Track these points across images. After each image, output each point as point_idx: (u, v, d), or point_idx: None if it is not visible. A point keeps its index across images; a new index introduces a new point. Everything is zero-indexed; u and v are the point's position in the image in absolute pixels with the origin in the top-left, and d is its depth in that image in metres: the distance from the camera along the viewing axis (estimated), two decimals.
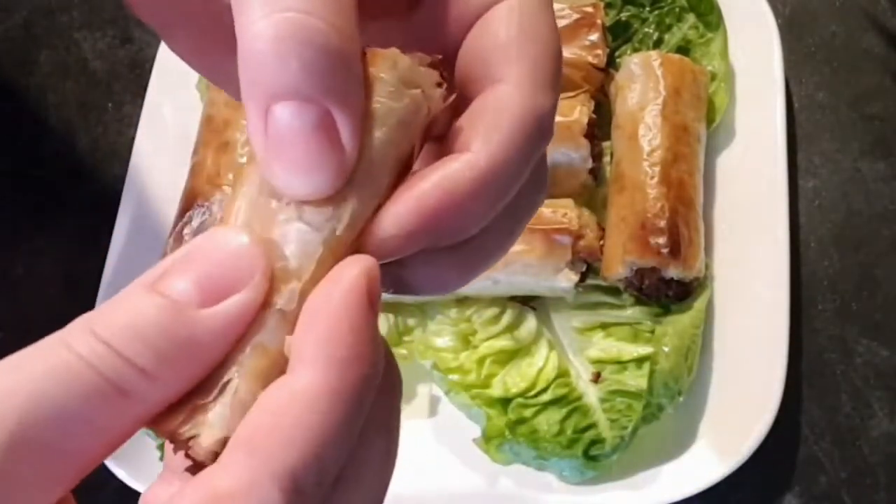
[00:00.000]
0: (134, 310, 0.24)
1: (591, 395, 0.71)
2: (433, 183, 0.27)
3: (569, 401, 0.71)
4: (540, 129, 0.29)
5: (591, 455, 0.68)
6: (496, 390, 0.71)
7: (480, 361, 0.72)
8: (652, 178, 0.71)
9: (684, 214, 0.70)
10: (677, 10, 0.78)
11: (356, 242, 0.26)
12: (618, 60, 0.77)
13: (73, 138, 0.89)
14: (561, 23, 0.74)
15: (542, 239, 0.69)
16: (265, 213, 0.26)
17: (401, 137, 0.27)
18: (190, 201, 0.76)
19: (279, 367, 0.25)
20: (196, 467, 0.25)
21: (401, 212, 0.26)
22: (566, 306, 0.73)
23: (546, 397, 0.71)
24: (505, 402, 0.70)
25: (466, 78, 0.29)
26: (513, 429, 0.69)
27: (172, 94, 0.85)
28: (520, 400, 0.70)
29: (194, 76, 0.83)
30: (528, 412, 0.70)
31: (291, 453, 0.23)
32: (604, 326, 0.73)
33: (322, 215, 0.26)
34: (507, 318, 0.73)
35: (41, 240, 0.84)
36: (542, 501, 0.70)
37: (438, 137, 0.29)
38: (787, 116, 0.74)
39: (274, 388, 0.24)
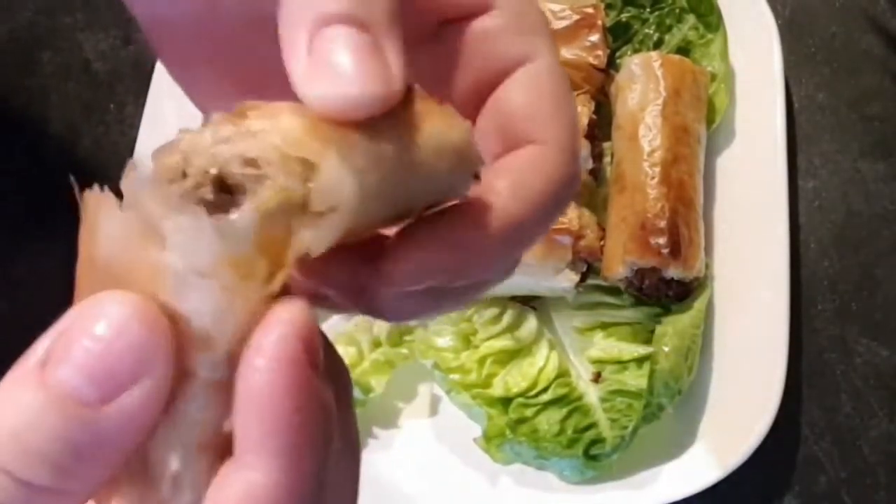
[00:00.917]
0: (21, 413, 0.21)
1: (592, 394, 0.71)
2: (459, 230, 0.26)
3: (569, 400, 0.71)
4: (571, 194, 0.29)
5: (592, 455, 0.68)
6: (497, 390, 0.71)
7: (481, 361, 0.72)
8: (652, 178, 0.71)
9: (684, 215, 0.70)
10: (677, 10, 0.78)
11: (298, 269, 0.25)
12: (618, 61, 0.77)
13: (76, 139, 0.89)
14: (561, 24, 0.74)
15: (543, 239, 0.69)
16: (158, 271, 0.23)
17: (402, 198, 0.25)
18: None
19: (224, 440, 0.23)
20: None
21: (417, 258, 0.26)
22: (567, 306, 0.73)
23: (547, 397, 0.71)
24: (506, 402, 0.71)
25: (495, 130, 0.29)
26: (513, 428, 0.69)
27: (175, 96, 0.85)
28: (520, 399, 0.71)
29: None
30: (528, 412, 0.70)
31: None
32: (604, 326, 0.73)
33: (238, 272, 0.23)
34: (507, 318, 0.73)
35: (42, 240, 0.84)
36: (542, 501, 0.70)
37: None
38: (787, 117, 0.74)
39: (229, 486, 0.22)
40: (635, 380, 0.69)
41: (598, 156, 0.74)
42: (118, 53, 0.92)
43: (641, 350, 0.71)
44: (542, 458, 0.69)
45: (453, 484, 0.71)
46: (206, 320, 0.23)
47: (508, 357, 0.72)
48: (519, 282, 0.70)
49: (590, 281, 0.72)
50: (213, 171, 0.22)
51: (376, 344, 0.75)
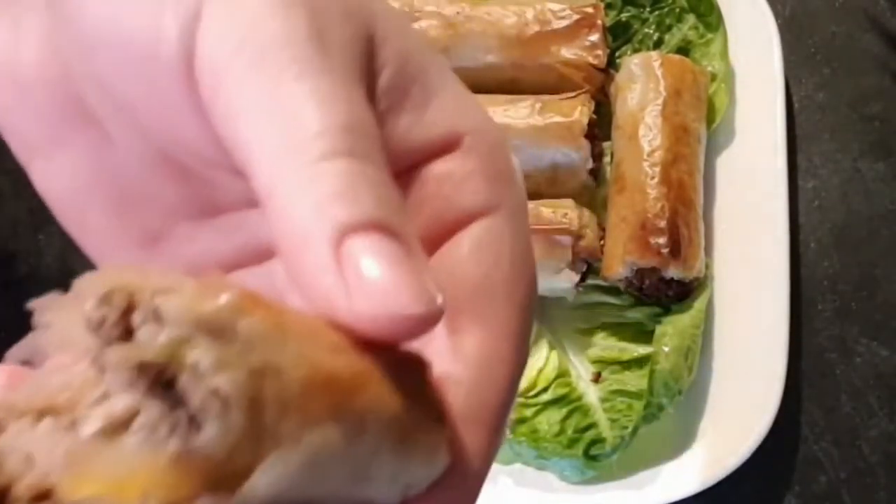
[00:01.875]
0: None
1: (592, 394, 0.71)
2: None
3: (569, 400, 0.71)
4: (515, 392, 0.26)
5: (592, 455, 0.68)
6: None
7: None
8: (652, 178, 0.71)
9: (684, 214, 0.70)
10: (677, 10, 0.78)
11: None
12: (618, 61, 0.77)
13: None
14: (561, 23, 0.74)
15: (543, 239, 0.69)
16: None
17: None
18: None
19: None
20: None
21: None
22: (566, 306, 0.73)
23: (546, 397, 0.71)
24: None
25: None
26: (513, 428, 0.69)
27: None
28: (520, 399, 0.71)
29: None
30: (528, 412, 0.70)
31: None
32: (604, 326, 0.73)
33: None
34: None
35: (41, 240, 0.84)
36: (542, 501, 0.70)
37: None
38: (787, 117, 0.74)
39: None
40: (635, 380, 0.69)
41: (598, 156, 0.74)
42: None
43: (641, 350, 0.71)
44: (542, 458, 0.69)
45: None
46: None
47: None
48: None
49: (590, 281, 0.72)
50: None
51: None
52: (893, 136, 0.77)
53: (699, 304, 0.70)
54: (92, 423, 0.19)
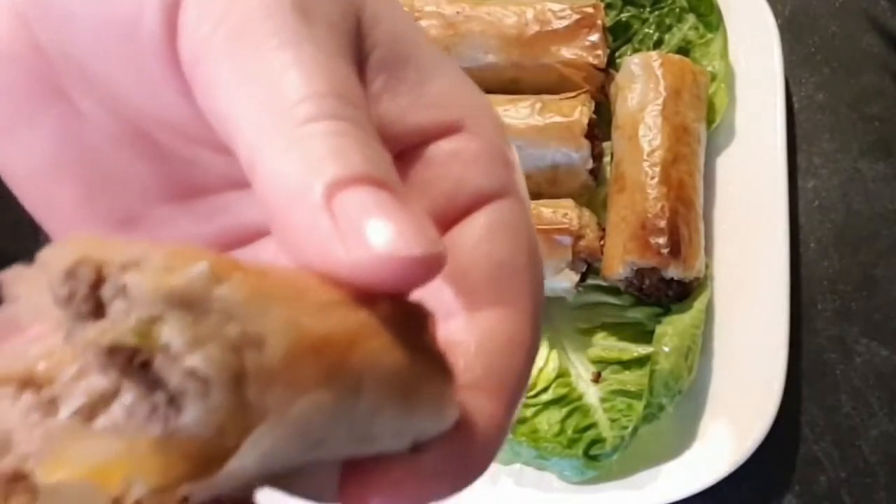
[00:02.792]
0: None
1: (592, 394, 0.71)
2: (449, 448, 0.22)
3: (569, 400, 0.71)
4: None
5: (592, 455, 0.68)
6: None
7: None
8: (652, 178, 0.71)
9: (684, 214, 0.70)
10: (677, 10, 0.78)
11: None
12: (618, 61, 0.77)
13: None
14: (561, 23, 0.74)
15: (543, 239, 0.69)
16: None
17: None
18: None
19: None
20: None
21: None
22: (566, 306, 0.73)
23: (546, 397, 0.71)
24: None
25: (450, 275, 0.24)
26: (513, 428, 0.69)
27: None
28: None
29: None
30: (528, 412, 0.70)
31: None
32: (604, 326, 0.73)
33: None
34: None
35: (41, 240, 0.84)
36: (542, 501, 0.70)
37: None
38: (787, 117, 0.74)
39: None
40: (635, 380, 0.69)
41: (598, 156, 0.74)
42: None
43: (641, 350, 0.71)
44: (542, 458, 0.69)
45: None
46: None
47: None
48: None
49: (590, 281, 0.72)
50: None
51: None
52: (893, 136, 0.77)
53: (699, 304, 0.70)
54: (70, 404, 0.19)
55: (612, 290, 0.73)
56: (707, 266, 0.72)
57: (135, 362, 0.18)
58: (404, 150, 0.25)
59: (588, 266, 0.72)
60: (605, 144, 0.75)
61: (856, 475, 0.69)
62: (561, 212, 0.70)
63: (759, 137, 0.75)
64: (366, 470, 0.21)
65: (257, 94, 0.22)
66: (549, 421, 0.70)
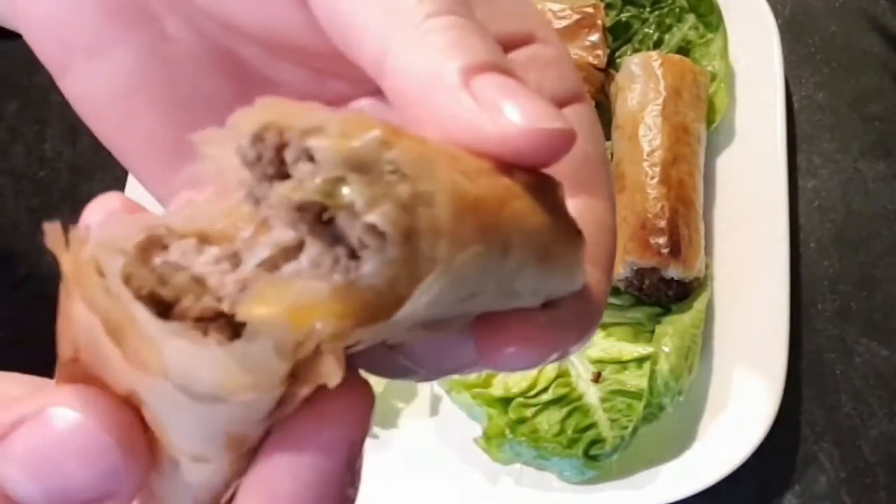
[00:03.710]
0: None
1: (592, 394, 0.71)
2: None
3: (569, 400, 0.71)
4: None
5: (592, 455, 0.68)
6: (497, 390, 0.71)
7: None
8: (652, 178, 0.71)
9: (684, 214, 0.70)
10: (677, 10, 0.78)
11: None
12: (618, 61, 0.77)
13: (76, 138, 0.89)
14: (561, 23, 0.74)
15: None
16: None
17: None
18: None
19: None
20: None
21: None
22: None
23: (546, 397, 0.71)
24: (506, 402, 0.71)
25: None
26: (513, 428, 0.69)
27: None
28: (520, 399, 0.71)
29: None
30: (528, 412, 0.70)
31: None
32: (604, 326, 0.73)
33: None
34: None
35: (42, 240, 0.84)
36: (542, 501, 0.70)
37: None
38: (787, 117, 0.74)
39: None
40: (635, 380, 0.69)
41: None
42: None
43: (641, 350, 0.71)
44: (542, 458, 0.69)
45: (453, 484, 0.71)
46: (196, 446, 0.21)
47: None
48: None
49: None
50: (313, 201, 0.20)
51: None
52: (893, 136, 0.77)
53: (699, 304, 0.70)
54: (256, 255, 0.20)
55: (612, 290, 0.73)
56: (707, 266, 0.72)
57: (321, 218, 0.20)
58: None
59: None
60: (606, 144, 0.75)
61: (856, 475, 0.69)
62: None
63: (759, 137, 0.75)
64: (502, 322, 0.23)
65: (377, 1, 0.24)
66: (549, 421, 0.70)
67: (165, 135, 0.29)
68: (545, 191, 0.23)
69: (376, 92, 0.27)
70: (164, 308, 0.20)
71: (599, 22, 0.75)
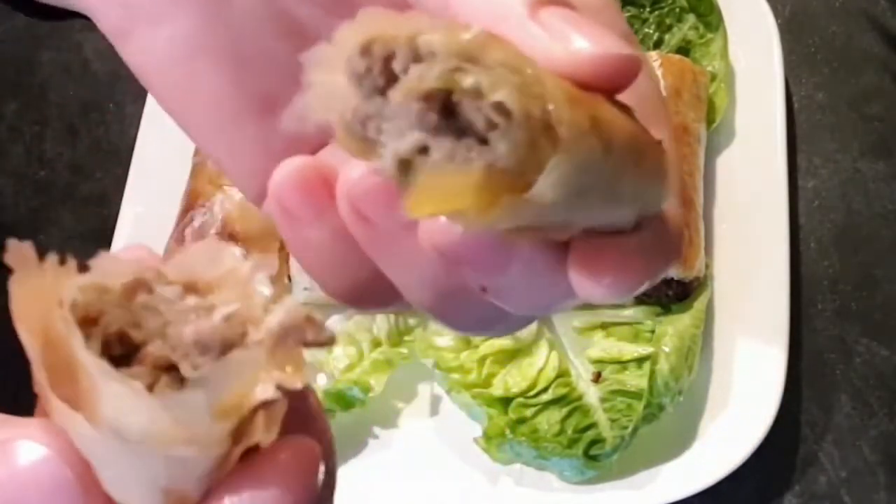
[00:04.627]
0: None
1: (592, 394, 0.71)
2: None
3: (569, 400, 0.71)
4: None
5: (592, 455, 0.68)
6: (497, 390, 0.71)
7: (481, 361, 0.72)
8: None
9: (684, 215, 0.70)
10: (677, 10, 0.78)
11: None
12: None
13: (75, 138, 0.89)
14: None
15: None
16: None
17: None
18: (191, 202, 0.76)
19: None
20: None
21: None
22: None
23: (546, 397, 0.71)
24: (505, 402, 0.71)
25: None
26: (513, 428, 0.69)
27: None
28: (520, 399, 0.71)
29: None
30: (528, 412, 0.70)
31: None
32: (604, 326, 0.73)
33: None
34: None
35: (42, 240, 0.84)
36: (542, 501, 0.70)
37: None
38: (787, 116, 0.74)
39: None
40: (635, 380, 0.69)
41: None
42: (117, 54, 0.92)
43: (641, 350, 0.71)
44: (542, 458, 0.69)
45: (453, 484, 0.71)
46: (133, 499, 0.20)
47: (508, 357, 0.72)
48: None
49: None
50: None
51: (376, 343, 0.75)
52: (893, 136, 0.77)
53: (699, 304, 0.70)
54: (227, 310, 0.20)
55: None
56: (707, 266, 0.72)
57: (445, 110, 0.21)
58: None
59: None
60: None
61: (856, 475, 0.69)
62: None
63: (759, 137, 0.75)
64: (597, 249, 0.24)
65: None
66: (549, 421, 0.70)
67: (230, 94, 0.30)
68: (621, 107, 0.24)
69: None
70: (132, 350, 0.20)
71: None
